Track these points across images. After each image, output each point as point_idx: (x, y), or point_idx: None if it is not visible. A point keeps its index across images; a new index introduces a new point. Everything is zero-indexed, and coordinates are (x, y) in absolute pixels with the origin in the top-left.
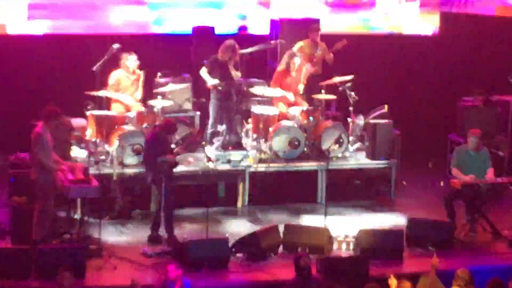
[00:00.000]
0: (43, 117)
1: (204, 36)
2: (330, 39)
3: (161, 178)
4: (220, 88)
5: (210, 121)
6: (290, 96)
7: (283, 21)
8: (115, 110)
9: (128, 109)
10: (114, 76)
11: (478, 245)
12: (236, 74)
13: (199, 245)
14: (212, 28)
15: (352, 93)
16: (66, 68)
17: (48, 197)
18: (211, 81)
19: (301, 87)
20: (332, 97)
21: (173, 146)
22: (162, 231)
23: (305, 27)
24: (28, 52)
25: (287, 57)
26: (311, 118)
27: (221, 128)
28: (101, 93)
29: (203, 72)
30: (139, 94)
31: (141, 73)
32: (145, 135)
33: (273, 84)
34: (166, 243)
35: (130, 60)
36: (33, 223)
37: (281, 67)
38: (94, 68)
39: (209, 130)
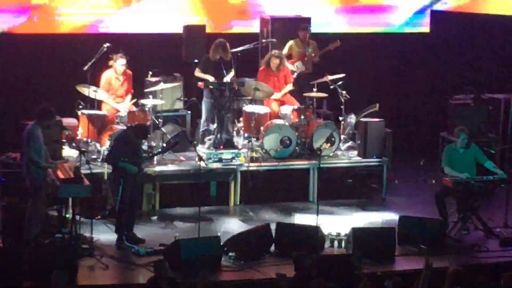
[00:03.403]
0: (36, 116)
1: (195, 35)
2: (324, 39)
3: (118, 178)
4: (211, 87)
5: (202, 120)
6: (274, 94)
7: (274, 19)
8: (106, 109)
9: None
10: (105, 77)
11: (469, 243)
12: (229, 73)
13: (191, 244)
14: (203, 27)
15: (344, 92)
16: (57, 67)
17: (39, 195)
18: (209, 79)
19: (288, 86)
20: (323, 95)
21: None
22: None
23: (296, 26)
24: (18, 51)
25: (266, 56)
26: (302, 116)
27: (213, 127)
28: (98, 95)
29: (198, 73)
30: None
31: (131, 73)
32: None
33: (261, 79)
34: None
35: (118, 64)
36: (24, 222)
37: (262, 66)
38: (85, 68)
39: (201, 129)
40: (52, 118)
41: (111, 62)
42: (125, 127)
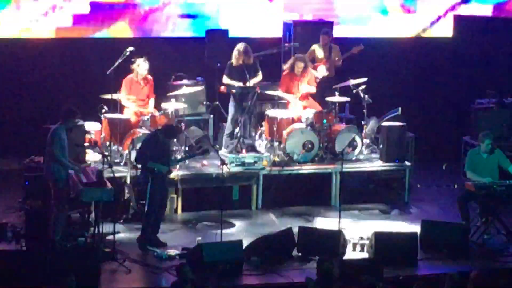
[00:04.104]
0: (61, 116)
1: (218, 39)
2: (347, 43)
3: (147, 179)
4: (234, 91)
5: (228, 123)
6: (297, 101)
7: (296, 23)
8: (129, 113)
9: (142, 113)
10: (125, 81)
11: (492, 247)
12: (255, 78)
13: (213, 248)
14: (226, 31)
15: (366, 96)
16: (80, 71)
17: (62, 196)
18: (234, 84)
19: (311, 89)
20: (345, 99)
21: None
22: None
23: (318, 30)
24: (40, 56)
25: (291, 60)
26: (324, 120)
27: (236, 131)
28: (122, 100)
29: (226, 80)
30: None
31: (151, 78)
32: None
33: (280, 87)
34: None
35: (141, 68)
36: (49, 224)
37: (286, 70)
38: (108, 72)
39: (226, 132)
40: (76, 118)
41: (133, 66)
42: (147, 131)
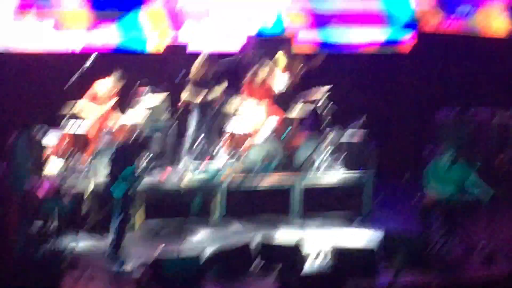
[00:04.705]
0: (18, 126)
1: (177, 54)
2: (307, 55)
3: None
4: (194, 105)
5: (188, 136)
6: (259, 110)
7: (257, 37)
8: (90, 126)
9: (102, 126)
10: (96, 88)
11: (454, 258)
12: (214, 90)
13: (171, 264)
14: (184, 46)
15: (330, 104)
16: (42, 83)
17: (23, 205)
18: (194, 97)
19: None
20: (309, 107)
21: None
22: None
23: (279, 44)
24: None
25: (252, 71)
26: (288, 128)
27: (199, 140)
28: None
29: (186, 95)
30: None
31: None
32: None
33: (242, 95)
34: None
35: (113, 83)
36: (9, 234)
37: (248, 77)
38: (68, 84)
39: (186, 146)
40: (33, 128)
41: (108, 79)
42: (110, 142)
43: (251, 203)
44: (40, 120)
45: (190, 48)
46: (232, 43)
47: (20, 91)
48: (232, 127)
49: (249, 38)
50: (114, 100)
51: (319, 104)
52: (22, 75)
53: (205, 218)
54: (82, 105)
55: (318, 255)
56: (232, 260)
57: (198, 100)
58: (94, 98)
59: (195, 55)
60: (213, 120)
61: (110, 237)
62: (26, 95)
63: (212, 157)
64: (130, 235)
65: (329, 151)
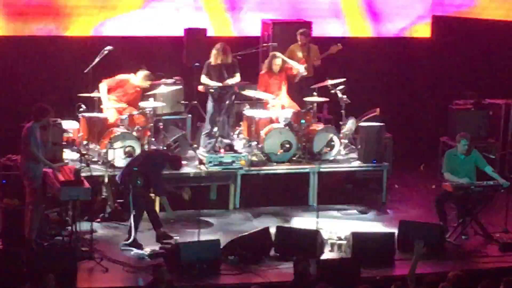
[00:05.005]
0: (33, 114)
1: (196, 38)
2: (326, 42)
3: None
4: (212, 91)
5: (206, 123)
6: (274, 99)
7: (275, 23)
8: (108, 112)
9: (120, 112)
10: (121, 79)
11: (469, 248)
12: (233, 77)
13: (190, 248)
14: (204, 30)
15: (344, 96)
16: (58, 70)
17: (37, 194)
18: (212, 84)
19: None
20: (324, 99)
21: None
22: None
23: (297, 30)
24: (17, 54)
25: (268, 59)
26: (303, 120)
27: (215, 130)
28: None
29: (204, 79)
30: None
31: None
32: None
33: (259, 87)
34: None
35: (143, 81)
36: (25, 223)
37: (263, 69)
38: (86, 71)
39: (203, 132)
40: (49, 116)
41: (135, 75)
42: (125, 130)
43: (269, 190)
44: (60, 106)
45: (210, 33)
46: (252, 27)
47: (34, 78)
48: (249, 116)
49: (269, 22)
50: (135, 89)
51: (335, 93)
52: (39, 60)
53: (223, 204)
54: (103, 92)
55: (336, 241)
56: (250, 246)
57: (217, 85)
58: (116, 87)
59: (217, 39)
60: (231, 107)
61: (128, 223)
62: (41, 82)
63: (229, 145)
64: (146, 223)
65: (345, 141)
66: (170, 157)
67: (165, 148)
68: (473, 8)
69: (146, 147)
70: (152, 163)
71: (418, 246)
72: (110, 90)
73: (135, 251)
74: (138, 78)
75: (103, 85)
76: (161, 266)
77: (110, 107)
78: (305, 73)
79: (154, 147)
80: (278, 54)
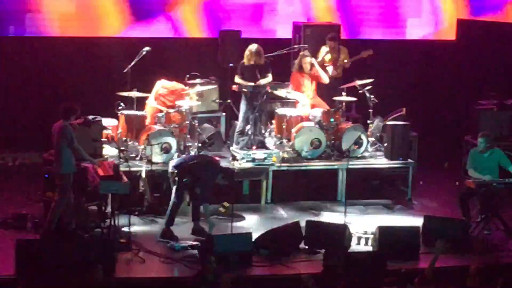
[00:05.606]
0: (61, 114)
1: (230, 40)
2: (356, 45)
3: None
4: (246, 90)
5: (239, 121)
6: (306, 99)
7: (306, 26)
8: (148, 110)
9: (157, 110)
10: (172, 87)
11: (492, 242)
12: (265, 77)
13: (224, 240)
14: (238, 32)
15: (372, 96)
16: (99, 69)
17: (67, 190)
18: (246, 83)
19: (325, 78)
20: (352, 99)
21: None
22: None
23: (327, 32)
24: (61, 54)
25: (298, 58)
26: (332, 119)
27: (247, 128)
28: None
29: (238, 79)
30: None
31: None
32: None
33: (291, 87)
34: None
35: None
36: (65, 215)
37: (294, 69)
38: (126, 70)
39: (237, 130)
40: (77, 114)
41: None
42: (162, 128)
43: (299, 185)
44: (96, 105)
45: (245, 34)
46: (284, 30)
47: (74, 77)
48: (280, 114)
49: (300, 24)
50: (173, 92)
51: (364, 93)
52: (81, 60)
53: (255, 199)
54: (155, 89)
55: (363, 235)
56: (281, 239)
57: (249, 86)
58: (170, 92)
59: (248, 41)
60: (263, 106)
61: (166, 215)
62: (81, 81)
63: (262, 142)
64: (181, 216)
65: (373, 139)
66: (225, 169)
67: (200, 145)
68: (500, 14)
69: (182, 143)
70: (208, 169)
71: (439, 244)
72: (158, 94)
73: (171, 243)
74: (192, 99)
75: (158, 84)
76: (210, 257)
77: (154, 105)
78: (334, 74)
79: (214, 156)
80: (307, 54)
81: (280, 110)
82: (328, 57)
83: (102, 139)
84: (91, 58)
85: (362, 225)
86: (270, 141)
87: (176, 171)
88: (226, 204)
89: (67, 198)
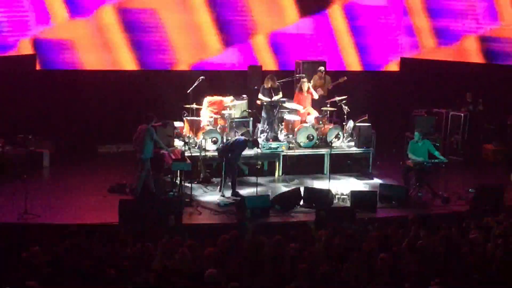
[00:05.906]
0: (144, 119)
1: (255, 71)
2: (335, 74)
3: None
4: (265, 104)
5: (261, 123)
6: (303, 109)
7: (304, 62)
8: (202, 117)
9: (209, 116)
10: (214, 106)
11: (422, 201)
12: (278, 95)
13: (251, 199)
14: (260, 66)
15: (346, 107)
16: (171, 91)
17: (145, 169)
18: (265, 99)
19: (316, 95)
20: (333, 109)
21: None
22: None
23: (317, 66)
24: (143, 84)
25: (299, 84)
26: (320, 122)
27: (266, 128)
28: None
29: (260, 97)
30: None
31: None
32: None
33: (294, 101)
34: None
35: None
36: (149, 184)
37: (296, 90)
38: (188, 91)
39: (260, 129)
40: (154, 119)
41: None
42: (212, 128)
43: (300, 165)
44: (170, 114)
45: (264, 68)
46: (289, 65)
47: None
48: (287, 119)
49: (300, 61)
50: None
51: (341, 105)
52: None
53: (272, 173)
54: (205, 103)
55: (341, 196)
56: (288, 199)
57: (267, 101)
58: (214, 103)
59: (267, 72)
60: (276, 114)
61: (231, 184)
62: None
63: (275, 137)
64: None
65: (347, 135)
66: (251, 140)
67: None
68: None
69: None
70: (237, 144)
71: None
72: (209, 103)
73: (221, 199)
74: (231, 109)
75: (206, 100)
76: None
77: (206, 114)
78: (322, 93)
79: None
80: (305, 80)
81: (287, 116)
82: (318, 82)
83: (174, 135)
84: (170, 85)
85: (340, 189)
86: (281, 136)
87: (220, 152)
88: (259, 162)
89: (148, 174)
